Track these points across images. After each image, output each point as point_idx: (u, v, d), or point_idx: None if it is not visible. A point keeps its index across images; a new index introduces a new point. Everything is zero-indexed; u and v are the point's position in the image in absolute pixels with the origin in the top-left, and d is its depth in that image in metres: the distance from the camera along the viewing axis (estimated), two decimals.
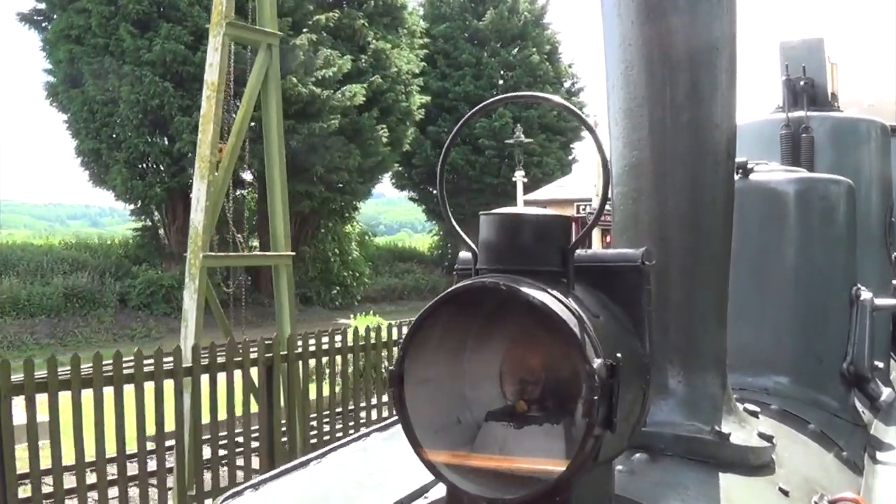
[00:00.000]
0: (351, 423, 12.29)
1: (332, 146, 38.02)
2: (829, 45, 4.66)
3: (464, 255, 1.54)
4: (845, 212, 3.19)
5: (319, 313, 41.62)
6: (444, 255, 55.89)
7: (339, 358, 12.92)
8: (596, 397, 1.27)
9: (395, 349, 12.52)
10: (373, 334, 12.93)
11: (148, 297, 36.21)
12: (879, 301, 3.30)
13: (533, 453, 1.42)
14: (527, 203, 34.66)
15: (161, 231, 40.61)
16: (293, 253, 13.76)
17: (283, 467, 2.44)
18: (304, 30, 36.44)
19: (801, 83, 4.33)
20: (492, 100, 1.48)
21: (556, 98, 1.49)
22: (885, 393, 3.35)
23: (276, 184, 14.02)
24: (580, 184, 34.91)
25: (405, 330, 12.80)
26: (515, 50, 51.47)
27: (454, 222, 1.49)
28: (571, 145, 53.46)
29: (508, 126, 46.99)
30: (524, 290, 1.32)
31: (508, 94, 1.52)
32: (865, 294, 3.23)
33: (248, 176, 42.10)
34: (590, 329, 1.32)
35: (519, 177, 30.74)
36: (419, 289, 50.51)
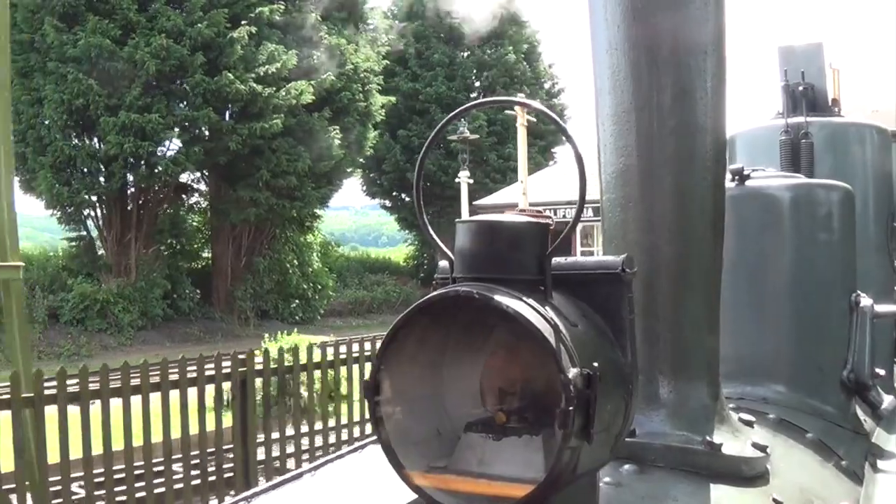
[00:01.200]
0: (178, 476, 9.90)
1: (279, 148, 35.69)
2: (832, 50, 4.64)
3: (442, 263, 1.52)
4: (843, 217, 3.16)
5: (277, 328, 37.30)
6: (420, 265, 53.00)
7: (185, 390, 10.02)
8: (571, 408, 1.24)
9: (320, 372, 11.84)
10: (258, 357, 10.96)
11: (81, 313, 33.47)
12: (880, 308, 3.26)
13: (512, 465, 1.39)
14: (480, 208, 32.35)
15: (99, 242, 37.55)
16: (21, 264, 10.46)
17: (276, 480, 2.42)
18: (244, 22, 33.82)
19: (801, 88, 4.31)
20: (467, 105, 1.46)
21: (534, 103, 1.47)
22: (887, 400, 3.31)
23: (1, 171, 10.33)
24: (537, 187, 32.84)
25: (327, 351, 11.80)
26: (490, 49, 49.12)
27: (430, 230, 1.47)
28: (553, 149, 51.52)
29: (483, 129, 44.24)
30: (498, 298, 1.29)
31: (486, 99, 1.50)
32: (865, 301, 3.19)
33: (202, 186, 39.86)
34: (566, 338, 1.29)
35: (463, 178, 27.75)
36: (390, 301, 47.90)
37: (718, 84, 2.08)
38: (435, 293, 1.36)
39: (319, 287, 43.69)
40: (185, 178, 38.45)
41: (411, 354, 1.41)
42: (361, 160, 45.08)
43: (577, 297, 1.48)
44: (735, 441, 2.06)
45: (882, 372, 3.30)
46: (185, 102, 33.81)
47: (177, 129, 33.80)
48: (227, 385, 10.77)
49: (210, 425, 10.21)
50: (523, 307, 1.29)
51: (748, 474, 2.01)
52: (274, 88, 34.39)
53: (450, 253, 1.46)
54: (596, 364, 1.29)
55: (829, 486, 2.44)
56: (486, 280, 1.37)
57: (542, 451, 1.37)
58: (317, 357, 12.21)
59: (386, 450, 1.40)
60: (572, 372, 1.25)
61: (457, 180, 27.56)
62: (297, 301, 42.21)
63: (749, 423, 2.26)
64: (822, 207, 3.13)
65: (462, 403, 1.48)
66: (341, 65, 37.74)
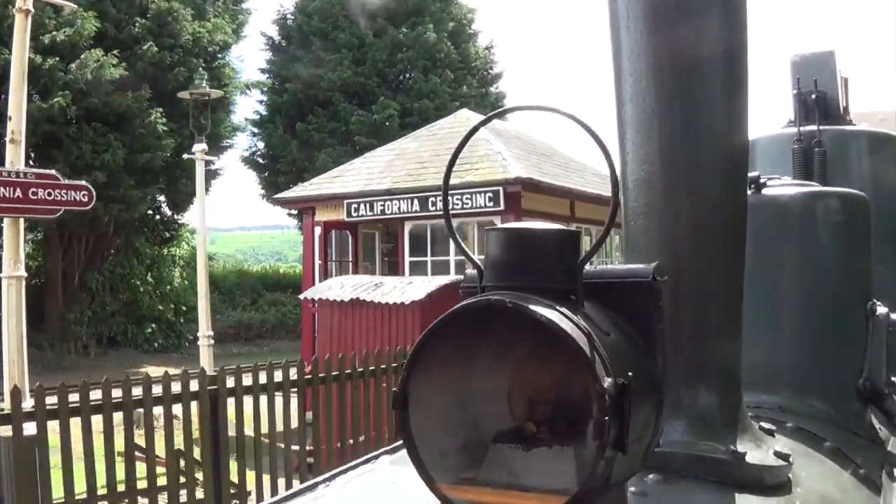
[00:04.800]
0: None
1: (82, 136, 28.56)
2: (839, 58, 4.63)
3: (470, 272, 1.51)
4: (859, 225, 3.15)
5: (128, 357, 32.98)
6: None
7: None
8: (607, 418, 1.23)
9: None
10: None
11: None
12: None
13: (543, 476, 1.38)
14: (284, 201, 27.95)
15: None
16: None
17: (290, 491, 2.40)
18: None
19: (813, 97, 4.30)
20: (498, 111, 1.45)
21: (566, 111, 1.46)
22: None
23: None
24: (359, 176, 25.73)
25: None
26: (407, 28, 41.04)
27: (459, 238, 1.46)
28: None
29: (394, 119, 38.13)
30: (532, 307, 1.28)
31: (512, 106, 1.48)
32: (881, 309, 3.18)
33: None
34: (600, 347, 1.28)
35: (198, 152, 19.22)
36: (286, 324, 40.52)
37: (741, 91, 2.08)
38: (465, 302, 1.35)
39: (184, 309, 37.02)
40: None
41: (440, 364, 1.40)
42: (254, 156, 38.86)
43: (606, 306, 1.47)
44: (757, 450, 2.05)
45: None
46: None
47: None
48: None
49: None
50: (557, 316, 1.28)
51: (771, 483, 2.00)
52: (58, 59, 27.16)
53: (478, 262, 1.45)
54: (630, 373, 1.28)
55: (850, 495, 2.42)
56: (517, 289, 1.36)
57: (573, 462, 1.36)
58: None
59: (416, 462, 1.39)
60: (607, 381, 1.24)
61: (186, 156, 20.21)
62: (152, 325, 36.10)
63: (770, 432, 2.25)
64: (836, 215, 3.12)
65: (490, 414, 1.46)
66: (174, 35, 30.48)
